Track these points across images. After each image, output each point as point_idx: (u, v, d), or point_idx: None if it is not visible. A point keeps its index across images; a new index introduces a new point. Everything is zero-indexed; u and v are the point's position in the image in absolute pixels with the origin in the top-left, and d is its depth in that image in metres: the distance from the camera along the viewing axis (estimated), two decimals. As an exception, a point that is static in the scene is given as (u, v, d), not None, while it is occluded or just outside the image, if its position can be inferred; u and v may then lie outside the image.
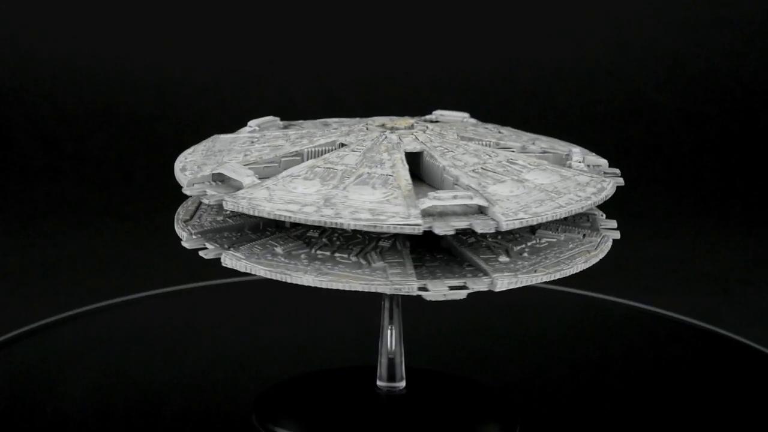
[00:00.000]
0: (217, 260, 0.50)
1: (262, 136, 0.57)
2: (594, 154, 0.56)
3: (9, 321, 0.78)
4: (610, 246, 0.52)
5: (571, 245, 0.52)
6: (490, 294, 0.49)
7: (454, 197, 0.47)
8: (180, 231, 0.52)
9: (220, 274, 0.54)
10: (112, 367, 0.66)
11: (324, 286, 0.48)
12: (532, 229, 0.53)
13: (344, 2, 1.34)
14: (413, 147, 0.53)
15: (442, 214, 0.48)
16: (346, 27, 1.33)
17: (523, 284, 0.48)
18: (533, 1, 1.33)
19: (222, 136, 0.58)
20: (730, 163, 1.25)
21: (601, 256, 0.51)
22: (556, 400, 0.63)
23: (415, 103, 1.27)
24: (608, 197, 0.51)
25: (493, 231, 0.46)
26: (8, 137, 1.26)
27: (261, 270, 0.48)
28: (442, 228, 0.46)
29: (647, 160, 1.26)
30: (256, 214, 0.47)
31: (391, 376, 0.58)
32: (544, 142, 0.57)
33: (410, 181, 0.49)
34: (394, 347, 0.58)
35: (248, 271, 0.49)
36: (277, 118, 0.61)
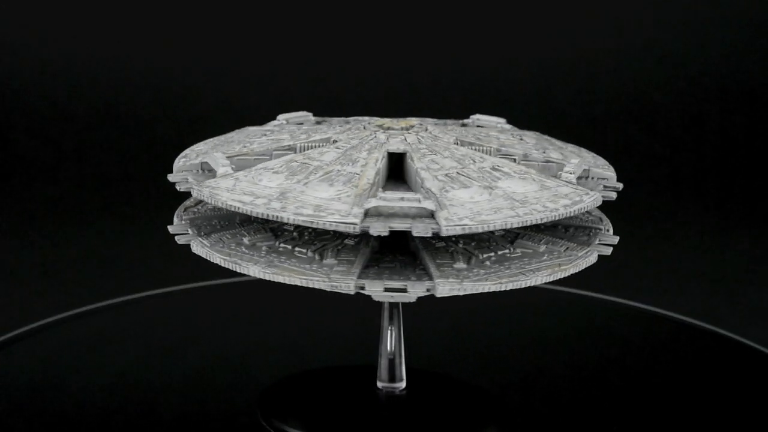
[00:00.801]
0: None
1: (278, 130, 0.57)
2: (606, 166, 0.55)
3: (9, 321, 0.78)
4: (592, 261, 0.51)
5: (545, 257, 0.51)
6: (490, 294, 0.49)
7: (401, 199, 0.47)
8: (175, 217, 0.53)
9: (220, 274, 0.54)
10: (112, 367, 0.66)
11: (267, 277, 0.48)
12: (513, 238, 0.53)
13: (346, 2, 1.34)
14: (397, 147, 0.53)
15: (395, 215, 0.48)
16: (345, 27, 1.33)
17: (467, 292, 0.48)
18: (533, 1, 1.33)
19: (251, 128, 0.59)
20: (730, 163, 1.25)
21: (574, 270, 0.50)
22: (556, 401, 0.63)
23: (415, 103, 1.27)
24: (584, 210, 0.49)
25: (430, 235, 0.46)
26: (8, 137, 1.26)
27: (217, 258, 0.50)
28: (377, 228, 0.46)
29: (647, 160, 1.26)
30: (213, 203, 0.49)
31: (391, 377, 0.58)
32: (563, 151, 0.56)
33: (372, 180, 0.50)
34: (393, 348, 0.58)
35: (208, 258, 0.50)
36: (309, 114, 0.61)
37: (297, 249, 0.50)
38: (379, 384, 0.59)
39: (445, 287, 0.47)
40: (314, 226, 0.47)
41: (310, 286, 0.48)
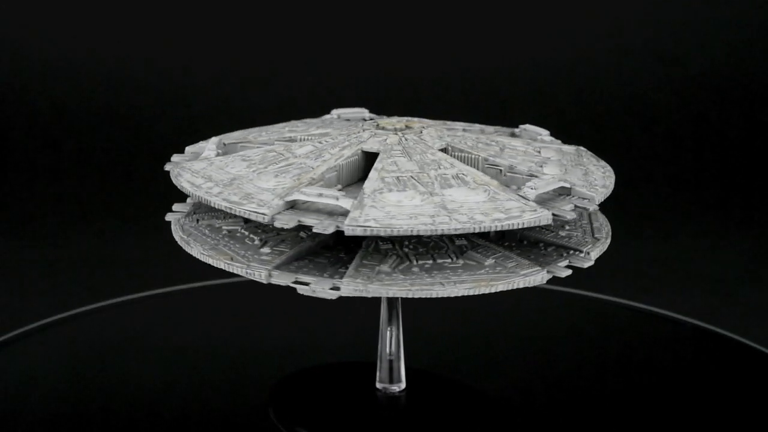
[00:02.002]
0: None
1: (319, 123, 0.58)
2: (601, 188, 0.52)
3: (9, 321, 0.79)
4: (537, 282, 0.49)
5: (484, 270, 0.49)
6: (490, 295, 0.49)
7: (319, 195, 0.48)
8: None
9: (220, 275, 0.54)
10: (111, 367, 0.66)
11: (202, 259, 0.50)
12: (467, 249, 0.52)
13: (346, 2, 1.34)
14: (370, 147, 0.53)
15: (320, 210, 0.48)
16: (346, 27, 1.33)
17: (371, 294, 0.47)
18: (533, 1, 1.33)
19: (308, 119, 0.60)
20: (730, 163, 1.25)
21: (504, 288, 0.48)
22: (556, 401, 0.63)
23: (415, 103, 1.27)
24: (515, 227, 0.47)
25: (329, 233, 0.46)
26: (8, 137, 1.26)
27: (177, 235, 0.52)
28: (283, 221, 0.47)
29: (647, 160, 1.26)
30: (176, 184, 0.51)
31: (390, 378, 0.58)
32: (572, 170, 0.54)
33: (318, 177, 0.50)
34: (393, 349, 0.58)
35: (174, 235, 0.52)
36: (365, 110, 0.61)
37: (250, 237, 0.51)
38: (379, 385, 0.59)
39: (349, 287, 0.47)
40: (234, 213, 0.48)
41: (232, 270, 0.48)
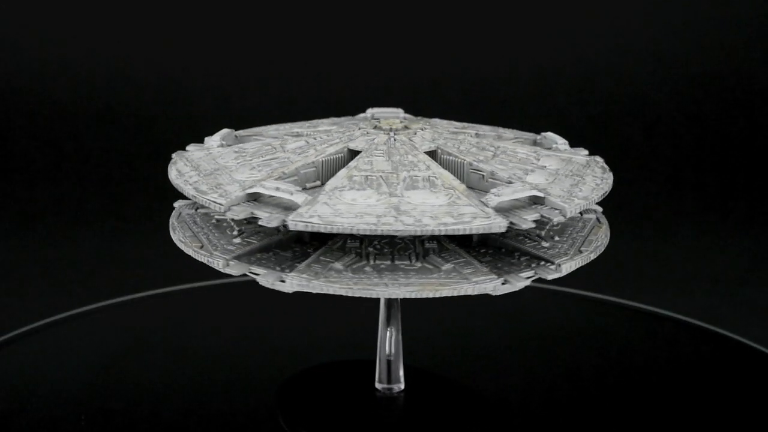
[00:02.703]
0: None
1: (344, 121, 0.58)
2: (579, 198, 0.51)
3: (9, 321, 0.78)
4: (487, 291, 0.48)
5: (437, 275, 0.49)
6: (489, 295, 0.49)
7: (276, 189, 0.49)
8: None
9: (219, 275, 0.54)
10: (111, 367, 0.66)
11: (179, 245, 0.51)
12: (431, 252, 0.51)
13: (346, 2, 1.34)
14: (356, 146, 0.53)
15: (279, 204, 0.49)
16: (346, 26, 1.33)
17: (314, 291, 0.47)
18: (533, 1, 1.33)
19: (343, 118, 0.61)
20: (730, 163, 1.25)
21: (448, 294, 0.48)
22: (555, 401, 0.63)
23: (415, 103, 1.27)
24: (461, 233, 0.46)
25: (274, 226, 0.47)
26: (8, 137, 1.26)
27: (171, 221, 0.53)
28: (235, 212, 0.47)
29: (647, 160, 1.26)
30: (168, 176, 0.52)
31: (389, 378, 0.58)
32: (562, 180, 0.53)
33: (291, 172, 0.50)
34: (391, 349, 0.58)
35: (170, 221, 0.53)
36: (400, 110, 0.62)
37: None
38: (377, 385, 0.59)
39: (293, 281, 0.47)
40: (197, 201, 0.49)
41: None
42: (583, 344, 0.72)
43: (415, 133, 0.54)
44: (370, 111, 0.60)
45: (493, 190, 0.49)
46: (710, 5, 1.31)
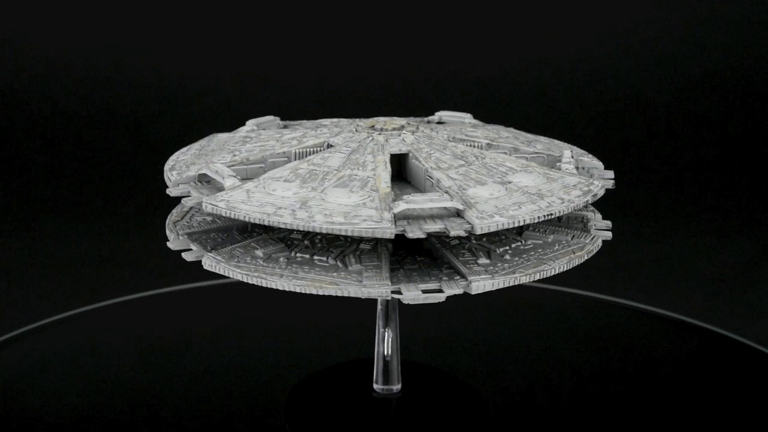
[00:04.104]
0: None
1: (255, 136, 0.57)
2: (588, 155, 0.56)
3: (9, 321, 0.79)
4: (598, 247, 0.52)
5: (557, 246, 0.51)
6: (490, 293, 0.49)
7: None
8: (168, 232, 0.53)
9: (219, 275, 0.54)
10: (111, 367, 0.66)
11: (296, 290, 0.48)
12: (519, 231, 0.53)
13: (345, 2, 1.34)
14: (399, 149, 0.53)
15: (421, 216, 0.48)
16: (345, 26, 1.33)
17: (500, 286, 0.48)
18: (533, 1, 1.33)
19: (220, 135, 0.59)
20: (730, 163, 1.25)
21: (587, 257, 0.51)
22: (555, 401, 0.63)
23: (415, 103, 1.27)
24: (597, 197, 0.50)
25: (464, 234, 0.46)
26: (8, 137, 1.26)
27: (238, 274, 0.49)
28: (414, 232, 0.47)
29: (647, 160, 1.26)
30: (233, 216, 0.48)
31: (387, 379, 0.58)
32: (537, 144, 0.57)
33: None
34: (389, 351, 0.58)
35: (227, 274, 0.49)
36: (277, 118, 0.61)
37: (316, 258, 0.50)
38: (375, 386, 0.59)
39: (480, 284, 0.47)
40: (348, 234, 0.46)
41: (344, 294, 0.47)
42: (583, 344, 0.72)
43: (399, 135, 0.54)
44: (250, 122, 0.60)
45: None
46: (710, 5, 1.31)
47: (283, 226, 0.47)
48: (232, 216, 0.48)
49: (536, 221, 0.47)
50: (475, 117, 0.62)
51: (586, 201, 0.49)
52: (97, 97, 1.28)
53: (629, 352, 0.71)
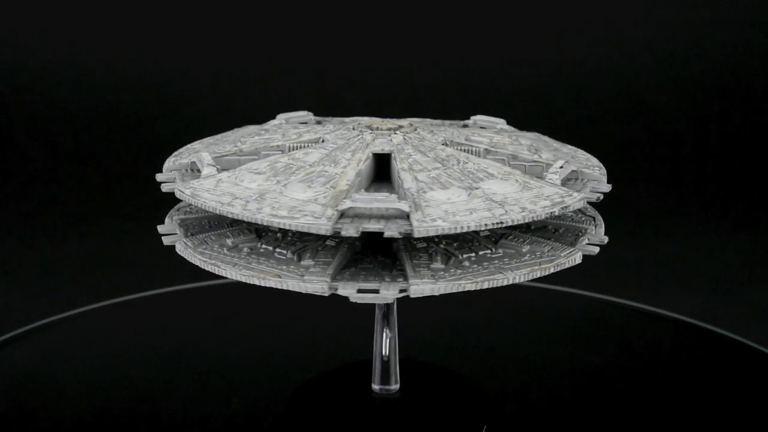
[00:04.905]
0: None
1: (275, 129, 0.58)
2: (598, 167, 0.54)
3: (9, 321, 0.79)
4: (574, 262, 0.50)
5: (527, 257, 0.50)
6: (490, 294, 0.49)
7: (375, 200, 0.48)
8: (167, 218, 0.54)
9: (218, 275, 0.54)
10: (111, 367, 0.67)
11: (243, 280, 0.49)
12: (497, 239, 0.52)
13: (345, 2, 1.34)
14: (382, 149, 0.53)
15: (371, 216, 0.48)
16: (345, 26, 1.33)
17: (441, 292, 0.47)
18: (533, 1, 1.33)
19: (250, 126, 0.60)
20: (730, 164, 1.25)
21: (553, 270, 0.49)
22: (555, 401, 0.63)
23: (415, 103, 1.27)
24: (566, 211, 0.48)
25: (399, 236, 0.46)
26: (8, 137, 1.26)
27: (197, 260, 0.50)
28: (349, 230, 0.46)
29: (647, 160, 1.26)
30: (194, 203, 0.50)
31: (385, 380, 0.58)
32: (557, 153, 0.55)
33: (352, 182, 0.50)
34: (387, 351, 0.58)
35: (190, 260, 0.51)
36: (310, 113, 0.62)
37: (277, 250, 0.51)
38: (374, 386, 0.59)
39: (419, 287, 0.47)
40: (287, 228, 0.47)
41: (284, 288, 0.47)
42: (583, 344, 0.72)
43: (415, 130, 0.54)
44: (280, 116, 0.61)
45: (551, 170, 0.50)
46: (710, 5, 1.31)
47: (231, 216, 0.48)
48: (193, 203, 0.49)
49: (482, 228, 0.46)
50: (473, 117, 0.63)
51: (551, 213, 0.48)
52: (97, 97, 1.28)
53: (629, 352, 0.71)
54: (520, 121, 0.63)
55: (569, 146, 0.58)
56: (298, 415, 0.59)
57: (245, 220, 0.47)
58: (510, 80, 1.30)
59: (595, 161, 0.56)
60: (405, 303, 0.56)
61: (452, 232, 0.46)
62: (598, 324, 0.76)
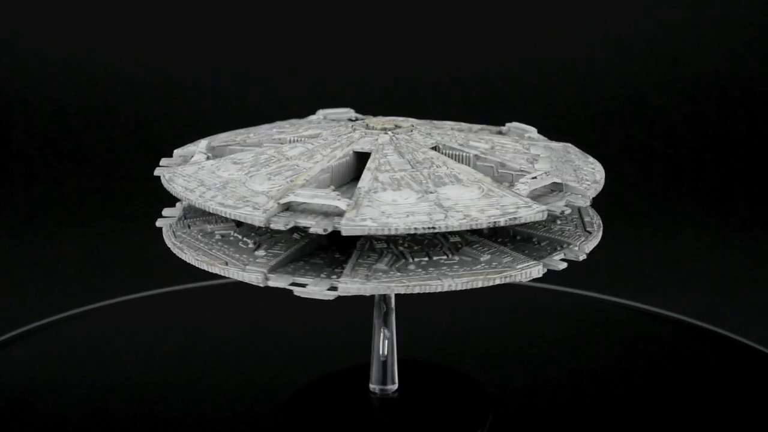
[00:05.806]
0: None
1: (306, 124, 0.59)
2: (594, 183, 0.52)
3: (9, 321, 0.79)
4: (529, 276, 0.49)
5: (481, 266, 0.49)
6: (490, 294, 0.49)
7: (315, 196, 0.48)
8: (177, 204, 0.56)
9: (218, 275, 0.54)
10: (111, 367, 0.67)
11: (196, 264, 0.50)
12: (461, 246, 0.51)
13: (345, 2, 1.34)
14: (362, 147, 0.53)
15: (316, 211, 0.49)
16: (345, 26, 1.33)
17: (370, 293, 0.47)
18: (533, 1, 1.33)
19: (294, 120, 0.61)
20: (730, 163, 1.25)
21: (499, 282, 0.48)
22: (555, 402, 0.63)
23: (415, 103, 1.27)
24: (515, 222, 0.47)
25: (323, 232, 0.46)
26: (8, 137, 1.26)
27: (169, 243, 0.52)
28: (278, 223, 0.47)
29: (647, 160, 1.26)
30: (168, 189, 0.51)
31: (384, 380, 0.58)
32: (564, 167, 0.54)
33: (312, 177, 0.51)
34: (386, 351, 0.58)
35: (168, 245, 0.53)
36: (351, 110, 0.62)
37: (243, 239, 0.52)
38: (372, 386, 0.59)
39: (347, 286, 0.47)
40: (228, 216, 0.48)
41: (225, 275, 0.49)
42: (583, 344, 0.72)
43: (411, 131, 0.54)
44: (320, 112, 0.61)
45: (521, 180, 0.50)
46: (710, 5, 1.31)
47: (189, 203, 0.49)
48: (167, 188, 0.51)
49: (412, 232, 0.46)
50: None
51: (495, 222, 0.47)
52: (97, 97, 1.28)
53: (629, 352, 0.71)
54: (521, 122, 0.63)
55: (592, 158, 0.56)
56: (296, 416, 0.59)
57: (197, 206, 0.49)
58: (510, 80, 1.30)
59: (599, 176, 0.53)
60: (405, 303, 0.56)
61: (379, 233, 0.46)
62: (598, 324, 0.76)
